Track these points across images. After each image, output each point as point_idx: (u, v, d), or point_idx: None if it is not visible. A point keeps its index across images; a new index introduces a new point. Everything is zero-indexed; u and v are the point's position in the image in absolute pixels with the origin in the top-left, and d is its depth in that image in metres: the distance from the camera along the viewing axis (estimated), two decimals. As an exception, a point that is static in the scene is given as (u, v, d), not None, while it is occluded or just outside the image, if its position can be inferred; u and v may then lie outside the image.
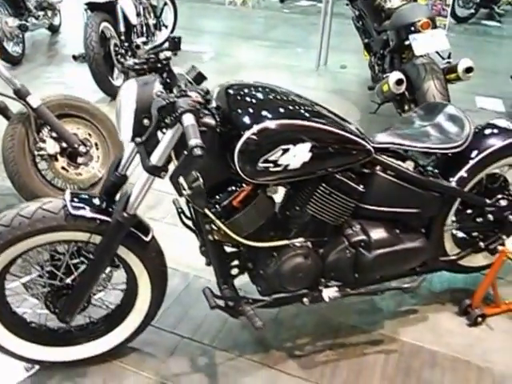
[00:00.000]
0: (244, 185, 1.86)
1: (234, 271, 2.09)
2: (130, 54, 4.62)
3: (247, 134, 1.69)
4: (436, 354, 2.27)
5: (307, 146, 1.75)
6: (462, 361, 2.24)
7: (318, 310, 2.45)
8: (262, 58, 6.11)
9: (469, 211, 2.35)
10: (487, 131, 2.30)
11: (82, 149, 2.92)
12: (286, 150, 1.72)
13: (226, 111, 1.77)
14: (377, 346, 2.29)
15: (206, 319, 2.37)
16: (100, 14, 4.53)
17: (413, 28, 3.56)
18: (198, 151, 1.40)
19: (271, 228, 1.99)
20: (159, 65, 1.83)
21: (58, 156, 2.90)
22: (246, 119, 1.72)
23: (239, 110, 1.74)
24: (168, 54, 1.83)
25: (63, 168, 2.94)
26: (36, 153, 2.85)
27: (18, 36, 5.55)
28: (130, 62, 1.88)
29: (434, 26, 3.57)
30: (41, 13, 5.94)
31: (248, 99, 1.80)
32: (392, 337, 2.34)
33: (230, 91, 1.83)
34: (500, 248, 2.33)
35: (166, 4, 6.06)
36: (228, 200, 1.86)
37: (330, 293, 2.06)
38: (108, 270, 2.00)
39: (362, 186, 1.99)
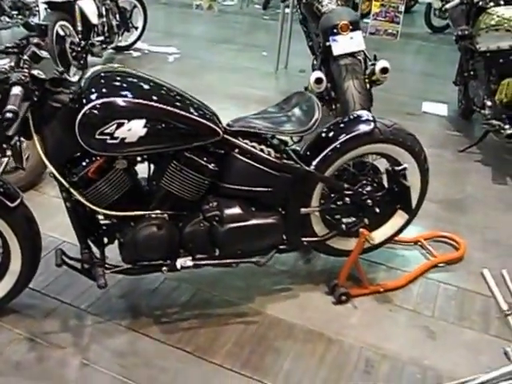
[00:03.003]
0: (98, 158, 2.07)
1: (106, 240, 2.31)
2: (84, 51, 4.86)
3: (85, 108, 1.91)
4: (294, 327, 2.44)
5: (141, 122, 1.95)
6: (316, 333, 2.41)
7: (197, 284, 2.64)
8: (225, 60, 6.34)
9: (332, 195, 2.52)
10: (347, 121, 2.49)
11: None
12: (120, 124, 1.93)
13: (80, 91, 1.99)
14: (241, 317, 2.47)
15: (90, 288, 2.54)
16: (57, 13, 4.79)
17: (335, 30, 3.75)
18: (8, 115, 1.62)
19: (133, 200, 2.19)
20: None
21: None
22: (88, 96, 1.94)
23: (87, 90, 1.96)
24: (35, 40, 2.03)
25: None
26: None
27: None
28: (2, 46, 2.08)
29: (355, 29, 3.75)
30: (14, 12, 6.21)
31: (100, 80, 2.01)
32: (258, 310, 2.52)
33: (94, 75, 2.05)
34: (361, 231, 2.50)
35: (135, 6, 6.32)
36: (83, 171, 2.06)
37: (183, 262, 2.25)
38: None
39: (213, 165, 2.18)
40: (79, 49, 4.94)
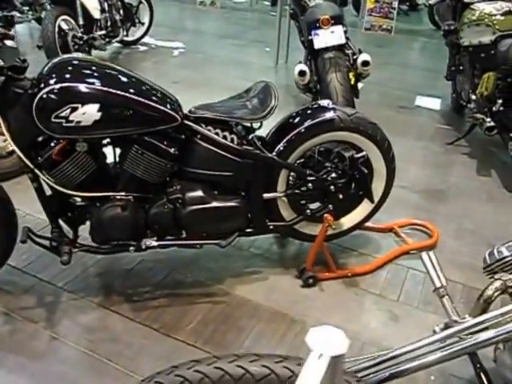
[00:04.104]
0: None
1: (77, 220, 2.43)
2: (86, 45, 5.01)
3: (41, 92, 2.03)
4: (259, 308, 2.53)
5: (96, 106, 2.07)
6: (281, 314, 2.50)
7: (171, 265, 2.75)
8: (229, 55, 6.44)
9: (297, 181, 2.61)
10: (308, 110, 2.58)
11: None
12: (74, 108, 2.04)
13: (39, 77, 2.11)
14: (209, 297, 2.58)
15: (69, 267, 2.66)
16: (59, 7, 4.95)
17: (317, 24, 3.84)
18: None
19: (100, 182, 2.31)
20: None
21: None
22: (45, 81, 2.07)
23: (46, 76, 2.09)
24: (1, 30, 2.16)
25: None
26: None
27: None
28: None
29: (336, 23, 3.83)
30: (26, 8, 6.40)
31: (58, 67, 2.15)
32: (227, 291, 2.62)
33: (54, 62, 2.18)
34: (324, 216, 2.59)
35: (140, 2, 6.46)
36: (48, 154, 2.18)
37: (148, 242, 2.36)
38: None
39: (174, 149, 2.29)
40: (81, 42, 5.10)
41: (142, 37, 6.65)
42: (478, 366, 1.83)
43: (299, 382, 0.64)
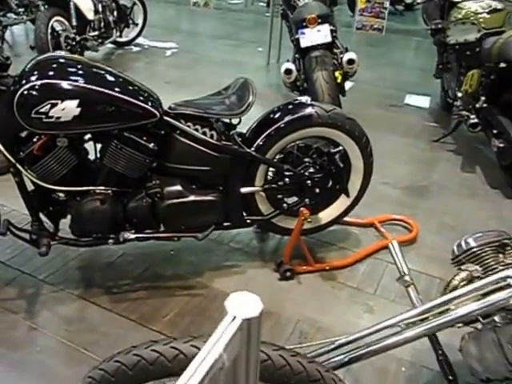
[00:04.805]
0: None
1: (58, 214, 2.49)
2: (79, 46, 5.07)
3: (22, 88, 2.09)
4: None
5: (75, 102, 2.12)
6: (257, 306, 2.54)
7: (151, 259, 2.80)
8: (221, 55, 6.50)
9: (275, 176, 2.66)
10: (286, 107, 2.62)
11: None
12: (54, 104, 2.10)
13: (21, 74, 2.17)
14: (188, 290, 2.63)
15: (51, 260, 2.72)
16: (53, 8, 5.02)
17: (304, 23, 3.89)
18: None
19: (81, 176, 2.36)
20: None
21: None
22: (26, 78, 2.12)
23: (27, 73, 2.14)
24: None
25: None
26: None
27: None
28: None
29: (323, 22, 3.88)
30: (21, 9, 6.47)
31: (39, 65, 2.20)
32: (205, 284, 2.67)
33: (36, 60, 2.23)
34: (300, 209, 2.63)
35: (134, 3, 6.52)
36: (29, 149, 2.24)
37: (126, 235, 2.41)
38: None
39: (153, 145, 2.34)
40: (74, 43, 5.16)
41: (136, 38, 6.71)
42: (440, 352, 1.88)
43: (210, 341, 0.69)
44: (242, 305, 0.68)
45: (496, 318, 1.63)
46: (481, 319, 1.66)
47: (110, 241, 2.44)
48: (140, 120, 2.28)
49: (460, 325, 1.71)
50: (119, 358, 1.35)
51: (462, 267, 1.91)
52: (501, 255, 1.81)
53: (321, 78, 3.81)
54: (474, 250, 1.87)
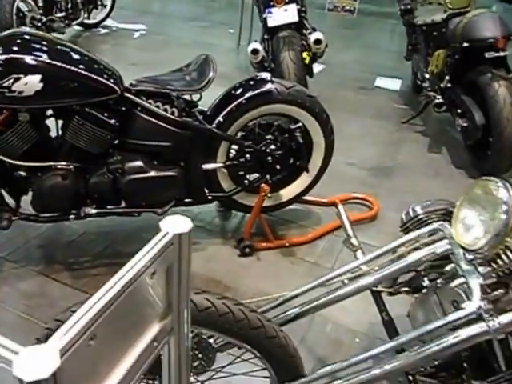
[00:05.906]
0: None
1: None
2: (44, 27, 5.01)
3: None
4: (195, 276, 2.51)
5: (37, 77, 2.13)
6: (215, 281, 2.58)
7: (112, 237, 2.81)
8: (191, 37, 6.45)
9: (237, 153, 2.69)
10: (246, 83, 2.65)
11: None
12: (17, 79, 2.10)
13: None
14: (148, 266, 2.64)
15: (12, 239, 2.71)
16: (18, -13, 4.93)
17: (271, 3, 3.90)
18: None
19: (43, 152, 2.37)
20: None
21: None
22: None
23: None
24: None
25: None
26: None
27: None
28: None
29: (291, 1, 3.91)
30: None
31: (4, 40, 2.21)
32: (165, 260, 2.69)
33: (4, 36, 2.25)
34: (261, 186, 2.66)
35: (103, -17, 6.42)
36: None
37: (87, 210, 2.42)
38: None
39: (113, 121, 2.35)
40: (39, 24, 5.09)
41: (104, 19, 6.57)
42: (385, 313, 1.91)
43: (143, 249, 0.74)
44: (174, 224, 0.76)
45: (438, 280, 1.68)
46: (425, 282, 1.70)
47: (71, 216, 2.45)
48: (100, 96, 2.30)
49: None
50: (75, 309, 1.39)
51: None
52: (446, 223, 1.86)
53: (288, 59, 3.83)
54: (421, 216, 1.90)
